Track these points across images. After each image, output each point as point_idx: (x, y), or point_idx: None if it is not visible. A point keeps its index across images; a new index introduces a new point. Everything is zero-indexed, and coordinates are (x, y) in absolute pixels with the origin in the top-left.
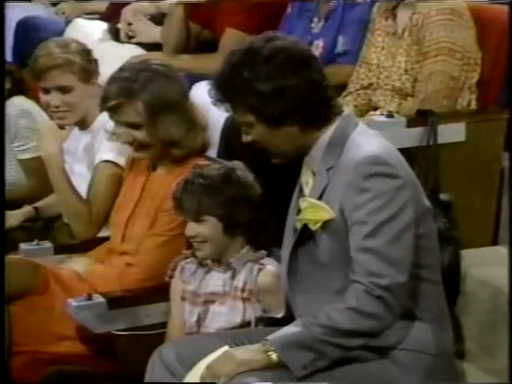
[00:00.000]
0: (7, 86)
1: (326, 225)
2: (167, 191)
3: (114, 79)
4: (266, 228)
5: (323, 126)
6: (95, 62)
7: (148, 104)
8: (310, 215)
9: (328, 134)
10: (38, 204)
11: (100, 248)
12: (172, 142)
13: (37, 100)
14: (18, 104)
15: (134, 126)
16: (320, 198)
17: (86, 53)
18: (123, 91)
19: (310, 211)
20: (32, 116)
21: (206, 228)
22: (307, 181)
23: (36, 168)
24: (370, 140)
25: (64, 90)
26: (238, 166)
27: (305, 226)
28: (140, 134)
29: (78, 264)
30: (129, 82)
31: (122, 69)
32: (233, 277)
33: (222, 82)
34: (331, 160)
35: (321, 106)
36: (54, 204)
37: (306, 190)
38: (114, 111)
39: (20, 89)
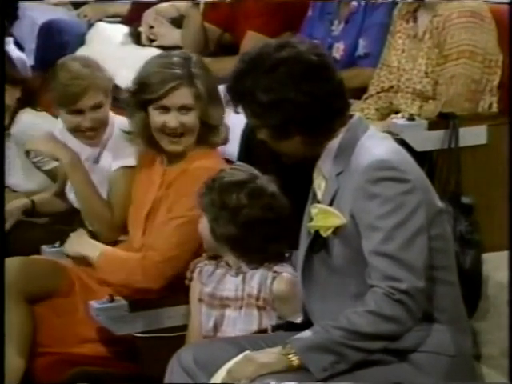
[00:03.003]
0: (17, 95)
1: (337, 230)
2: (187, 177)
3: (163, 65)
4: (283, 241)
5: (329, 136)
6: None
7: (206, 85)
8: (320, 221)
9: (338, 138)
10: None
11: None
12: (213, 127)
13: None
14: (27, 120)
15: (186, 109)
16: (331, 203)
17: (103, 68)
18: (183, 74)
19: (321, 217)
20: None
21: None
22: (319, 185)
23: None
24: (378, 144)
25: (95, 107)
26: (261, 178)
27: (317, 232)
28: (189, 118)
29: None
30: (183, 66)
31: (164, 56)
32: (244, 281)
33: (230, 85)
34: (341, 165)
35: (324, 118)
36: None
37: (319, 194)
38: (163, 96)
39: (30, 100)
